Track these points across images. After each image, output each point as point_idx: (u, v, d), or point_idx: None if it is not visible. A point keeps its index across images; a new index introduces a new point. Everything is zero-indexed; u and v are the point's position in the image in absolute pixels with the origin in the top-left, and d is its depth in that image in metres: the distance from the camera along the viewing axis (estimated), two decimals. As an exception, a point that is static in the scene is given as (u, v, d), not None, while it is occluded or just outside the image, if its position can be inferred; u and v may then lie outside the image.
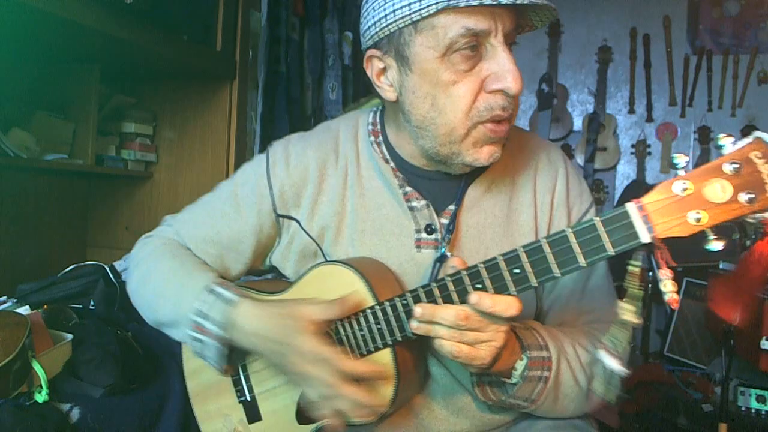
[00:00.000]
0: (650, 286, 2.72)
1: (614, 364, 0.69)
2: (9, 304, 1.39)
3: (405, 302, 0.78)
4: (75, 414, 1.08)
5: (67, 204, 2.03)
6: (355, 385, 0.78)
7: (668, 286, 0.64)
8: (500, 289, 0.72)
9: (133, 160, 1.95)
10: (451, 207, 0.90)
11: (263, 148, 2.14)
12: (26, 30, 1.42)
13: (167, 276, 0.94)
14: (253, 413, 0.97)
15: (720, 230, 0.62)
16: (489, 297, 0.71)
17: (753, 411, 1.97)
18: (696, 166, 0.62)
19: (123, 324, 1.41)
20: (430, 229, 0.89)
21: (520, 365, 0.81)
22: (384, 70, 0.84)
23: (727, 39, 3.18)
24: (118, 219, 2.08)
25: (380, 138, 0.94)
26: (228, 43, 1.91)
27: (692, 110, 3.24)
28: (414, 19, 0.76)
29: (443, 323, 0.73)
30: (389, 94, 0.84)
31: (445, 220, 0.90)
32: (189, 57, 1.74)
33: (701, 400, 2.12)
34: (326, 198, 0.93)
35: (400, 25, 0.77)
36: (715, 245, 0.62)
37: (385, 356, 0.82)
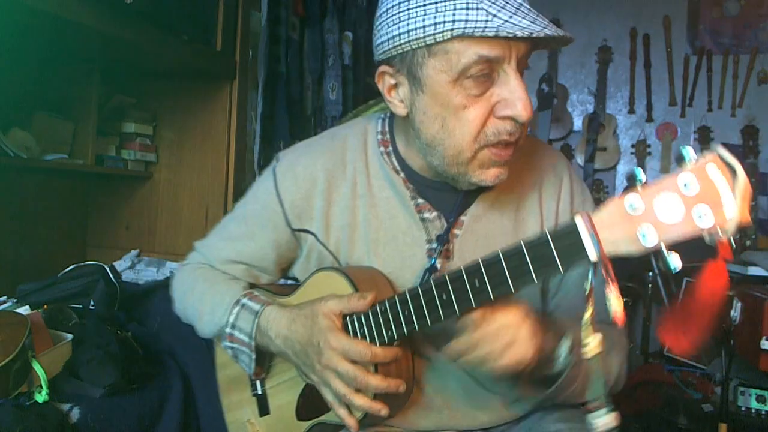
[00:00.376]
0: (650, 285, 2.72)
1: (605, 419, 0.67)
2: (9, 304, 1.39)
3: (393, 302, 0.80)
4: (75, 414, 1.08)
5: (67, 204, 2.03)
6: (378, 376, 0.80)
7: (613, 305, 0.63)
8: (463, 301, 0.73)
9: (133, 160, 1.95)
10: (462, 218, 0.91)
11: (263, 148, 2.15)
12: (26, 30, 1.42)
13: (201, 298, 1.00)
14: (263, 407, 1.02)
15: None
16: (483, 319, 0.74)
17: (753, 411, 1.97)
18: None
19: (123, 324, 1.41)
20: (441, 240, 0.90)
21: (563, 350, 0.80)
22: (395, 86, 0.84)
23: (727, 39, 3.18)
24: (118, 219, 2.08)
25: (390, 148, 0.93)
26: (228, 43, 1.91)
27: (692, 110, 3.24)
28: (428, 43, 0.75)
29: (466, 350, 0.76)
30: (400, 110, 0.85)
31: (457, 231, 0.91)
32: (189, 57, 1.74)
33: (701, 400, 2.12)
34: (337, 209, 0.93)
35: (414, 46, 0.77)
36: (673, 261, 0.59)
37: None
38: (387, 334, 0.81)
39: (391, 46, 0.79)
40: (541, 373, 0.82)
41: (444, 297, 0.74)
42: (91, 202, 2.11)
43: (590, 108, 3.40)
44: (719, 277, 0.59)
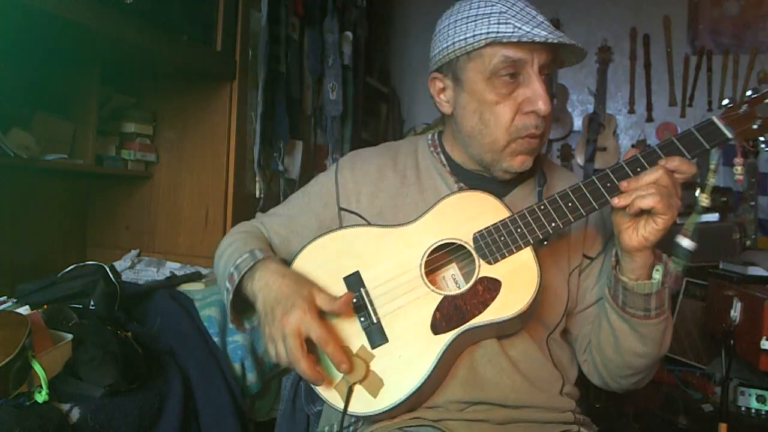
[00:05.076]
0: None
1: (687, 242, 0.90)
2: (9, 304, 1.38)
3: (543, 207, 0.96)
4: (75, 414, 1.08)
5: (67, 204, 2.03)
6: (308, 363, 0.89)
7: (739, 170, 0.91)
8: (612, 189, 0.93)
9: (133, 160, 1.95)
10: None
11: (263, 148, 2.16)
12: (27, 30, 1.42)
13: (231, 244, 1.13)
14: (378, 336, 1.00)
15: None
16: (675, 158, 0.88)
17: (753, 411, 1.97)
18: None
19: (123, 324, 1.41)
20: None
21: (659, 273, 0.93)
22: (443, 89, 1.07)
23: (727, 39, 3.18)
24: (118, 219, 2.08)
25: (439, 150, 1.15)
26: (228, 43, 1.91)
27: (692, 110, 3.24)
28: (468, 50, 0.98)
29: (645, 187, 0.87)
30: (445, 108, 1.07)
31: None
32: (189, 57, 1.74)
33: (701, 400, 2.12)
34: (384, 194, 1.11)
35: (458, 54, 0.99)
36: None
37: (526, 253, 0.97)
38: (541, 232, 0.95)
39: (441, 56, 1.02)
40: (642, 289, 0.94)
41: (606, 184, 0.93)
42: (91, 202, 2.11)
43: (590, 108, 3.40)
44: None
